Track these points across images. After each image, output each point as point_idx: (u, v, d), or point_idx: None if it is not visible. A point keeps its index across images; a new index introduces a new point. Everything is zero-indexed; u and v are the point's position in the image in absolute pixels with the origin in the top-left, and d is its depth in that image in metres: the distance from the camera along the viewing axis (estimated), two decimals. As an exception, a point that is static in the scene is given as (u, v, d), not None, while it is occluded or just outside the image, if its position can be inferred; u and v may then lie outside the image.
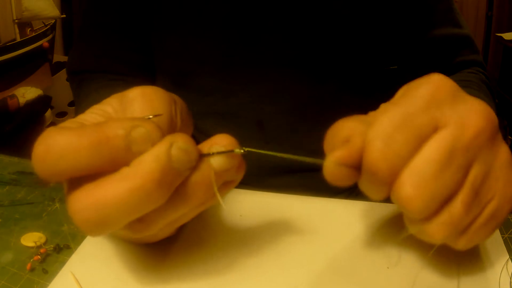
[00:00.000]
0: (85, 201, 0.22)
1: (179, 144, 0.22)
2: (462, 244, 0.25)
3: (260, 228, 0.33)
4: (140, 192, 0.21)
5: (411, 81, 0.26)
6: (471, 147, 0.23)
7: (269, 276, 0.29)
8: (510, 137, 1.66)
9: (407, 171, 0.23)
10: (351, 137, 0.24)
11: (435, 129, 0.24)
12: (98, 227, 0.22)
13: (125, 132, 0.22)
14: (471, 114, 0.24)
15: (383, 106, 0.25)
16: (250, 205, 0.36)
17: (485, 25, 2.42)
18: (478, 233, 0.25)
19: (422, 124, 0.23)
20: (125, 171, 0.22)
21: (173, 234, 0.31)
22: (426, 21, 0.50)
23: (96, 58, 0.52)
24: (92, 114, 0.26)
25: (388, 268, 0.29)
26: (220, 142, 0.24)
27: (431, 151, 0.23)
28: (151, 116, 0.25)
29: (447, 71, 0.50)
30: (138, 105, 0.25)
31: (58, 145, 0.21)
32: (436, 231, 0.24)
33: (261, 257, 0.30)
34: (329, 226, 0.34)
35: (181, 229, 0.32)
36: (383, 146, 0.23)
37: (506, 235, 0.32)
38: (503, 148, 0.25)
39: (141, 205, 0.22)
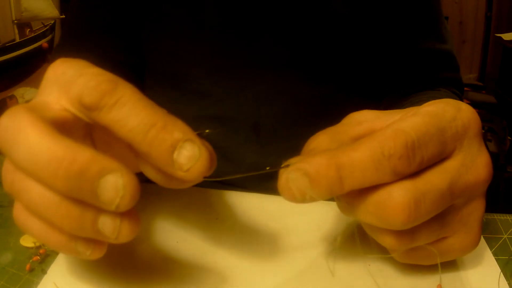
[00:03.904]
0: None
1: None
2: (402, 258, 0.26)
3: (237, 230, 0.33)
4: None
5: (444, 98, 0.25)
6: (467, 191, 0.24)
7: (248, 278, 0.29)
8: (510, 138, 1.66)
9: (410, 183, 0.22)
10: (314, 149, 0.24)
11: (445, 156, 0.24)
12: None
13: (181, 137, 0.22)
14: (481, 162, 0.24)
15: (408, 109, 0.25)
16: (227, 207, 0.36)
17: (485, 25, 2.43)
18: (423, 257, 0.26)
19: (442, 143, 0.23)
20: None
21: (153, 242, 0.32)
22: (412, 31, 0.49)
23: (82, 56, 0.51)
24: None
25: (369, 265, 0.29)
26: None
27: (438, 177, 0.23)
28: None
29: (425, 85, 0.50)
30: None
31: None
32: (394, 243, 0.24)
33: (239, 260, 0.30)
34: (308, 226, 0.33)
35: (161, 236, 0.33)
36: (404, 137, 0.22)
37: (505, 236, 0.32)
38: (481, 204, 0.26)
39: None
